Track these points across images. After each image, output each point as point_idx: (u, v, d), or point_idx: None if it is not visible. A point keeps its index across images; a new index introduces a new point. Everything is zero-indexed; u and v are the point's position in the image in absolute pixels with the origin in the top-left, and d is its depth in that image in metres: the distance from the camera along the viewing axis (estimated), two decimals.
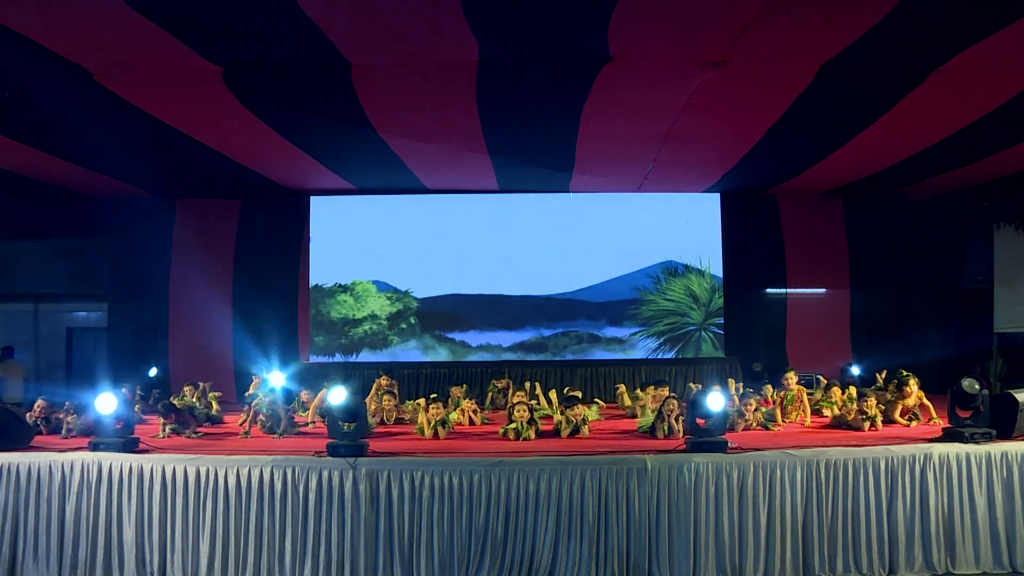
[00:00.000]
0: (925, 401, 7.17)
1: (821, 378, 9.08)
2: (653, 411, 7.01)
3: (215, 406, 8.07)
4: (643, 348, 11.71)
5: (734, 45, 5.71)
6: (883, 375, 8.55)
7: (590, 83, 6.51)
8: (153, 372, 10.44)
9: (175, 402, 7.11)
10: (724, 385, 8.76)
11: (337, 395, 5.64)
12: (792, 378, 8.02)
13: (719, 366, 10.93)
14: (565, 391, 8.44)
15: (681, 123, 7.62)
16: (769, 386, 8.43)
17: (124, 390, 7.45)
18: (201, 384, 8.32)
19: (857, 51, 5.84)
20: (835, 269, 11.56)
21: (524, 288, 11.76)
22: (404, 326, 11.69)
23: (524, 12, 5.31)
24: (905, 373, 7.36)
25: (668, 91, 6.79)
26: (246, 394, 8.54)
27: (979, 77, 6.38)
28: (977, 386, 5.77)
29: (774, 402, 7.67)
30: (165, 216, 11.27)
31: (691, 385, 9.38)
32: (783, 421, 7.40)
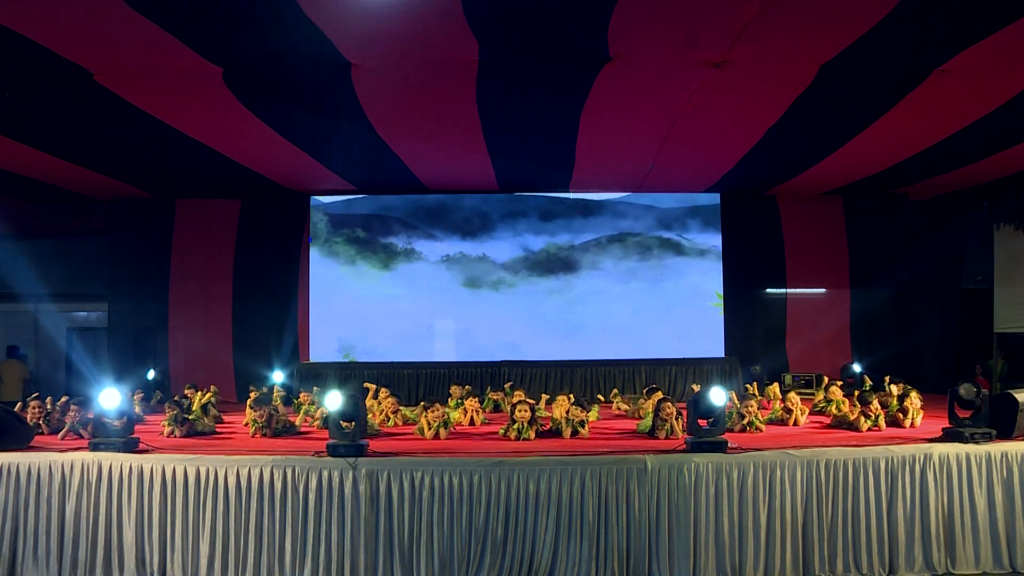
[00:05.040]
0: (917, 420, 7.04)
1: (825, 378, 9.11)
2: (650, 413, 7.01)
3: (211, 413, 7.86)
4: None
5: (734, 45, 5.71)
6: (869, 386, 8.57)
7: (590, 83, 6.51)
8: (151, 375, 10.43)
9: (190, 419, 6.92)
10: (728, 385, 8.76)
11: (333, 400, 5.63)
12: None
13: (719, 366, 10.92)
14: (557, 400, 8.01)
15: (681, 123, 7.62)
16: (770, 384, 8.46)
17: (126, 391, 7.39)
18: (200, 389, 8.26)
19: (857, 51, 5.84)
20: (835, 269, 11.56)
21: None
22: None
23: (524, 12, 5.32)
24: (908, 386, 7.36)
25: (668, 91, 6.79)
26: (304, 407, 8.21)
27: (979, 77, 6.38)
28: (974, 390, 5.80)
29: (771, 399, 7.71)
30: (165, 216, 11.29)
31: (692, 386, 9.37)
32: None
